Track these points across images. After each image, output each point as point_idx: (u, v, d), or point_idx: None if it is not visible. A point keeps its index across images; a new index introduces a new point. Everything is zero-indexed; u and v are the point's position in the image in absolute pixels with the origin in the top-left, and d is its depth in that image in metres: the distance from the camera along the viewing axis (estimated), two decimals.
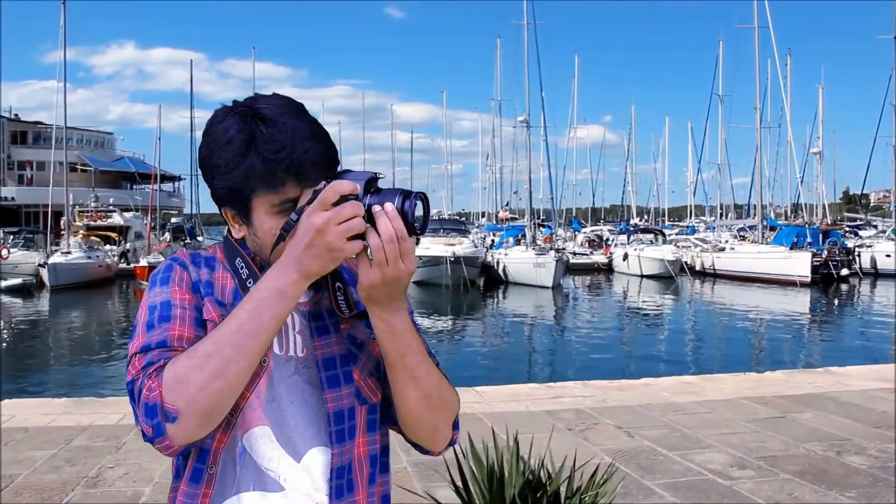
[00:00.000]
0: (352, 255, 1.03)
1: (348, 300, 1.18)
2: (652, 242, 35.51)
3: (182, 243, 36.70)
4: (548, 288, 27.48)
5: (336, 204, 1.00)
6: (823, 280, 29.03)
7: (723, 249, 33.88)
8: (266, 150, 1.08)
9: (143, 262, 30.06)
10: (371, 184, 1.03)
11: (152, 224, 41.03)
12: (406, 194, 1.02)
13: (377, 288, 1.05)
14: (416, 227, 1.02)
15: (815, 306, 24.52)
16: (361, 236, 1.01)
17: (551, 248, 30.80)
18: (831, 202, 58.00)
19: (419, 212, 1.03)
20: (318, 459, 1.15)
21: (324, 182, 1.04)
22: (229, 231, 1.21)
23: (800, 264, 28.14)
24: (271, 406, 1.14)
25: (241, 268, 1.16)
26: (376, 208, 1.01)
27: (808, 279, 27.88)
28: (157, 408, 1.00)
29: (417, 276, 28.69)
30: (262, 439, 1.13)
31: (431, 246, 29.36)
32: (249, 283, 1.14)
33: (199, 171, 1.19)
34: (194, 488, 1.13)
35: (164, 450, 1.04)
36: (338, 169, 1.12)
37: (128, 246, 36.26)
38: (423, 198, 1.03)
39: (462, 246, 29.20)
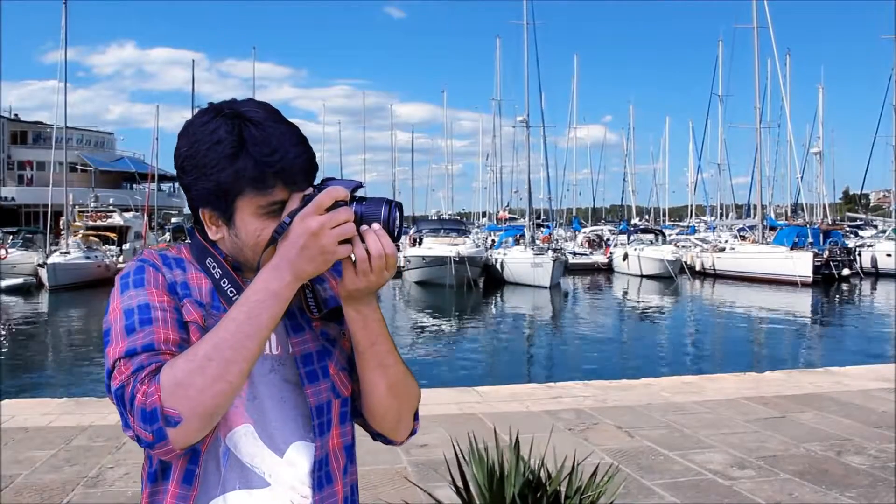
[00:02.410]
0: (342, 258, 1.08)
1: (317, 298, 1.22)
2: (652, 242, 35.50)
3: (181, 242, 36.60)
4: (545, 288, 27.47)
5: (329, 209, 1.04)
6: (825, 280, 29.03)
7: (723, 249, 33.87)
8: (257, 153, 1.10)
9: None
10: (355, 192, 1.09)
11: (151, 223, 41.03)
12: (388, 204, 1.09)
13: (360, 291, 1.12)
14: (395, 235, 1.09)
15: (816, 306, 24.52)
16: (349, 240, 1.07)
17: (549, 248, 30.78)
18: (831, 202, 58.02)
19: (398, 223, 1.10)
20: (300, 453, 1.18)
21: (311, 188, 1.09)
22: (199, 231, 1.21)
23: (801, 264, 28.12)
24: (253, 404, 1.16)
25: (213, 268, 1.17)
26: (364, 227, 1.07)
27: (810, 279, 27.86)
28: (157, 413, 1.00)
29: (421, 276, 28.73)
30: (246, 437, 1.15)
31: (435, 246, 29.36)
32: (224, 282, 1.16)
33: (178, 172, 1.18)
34: (186, 490, 1.13)
35: (166, 454, 1.04)
36: (316, 175, 1.17)
37: (127, 246, 36.25)
38: (400, 207, 1.10)
39: (465, 246, 29.23)
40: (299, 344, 1.20)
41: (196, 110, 1.20)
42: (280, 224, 1.06)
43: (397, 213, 1.09)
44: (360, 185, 1.09)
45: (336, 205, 1.04)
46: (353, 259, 1.08)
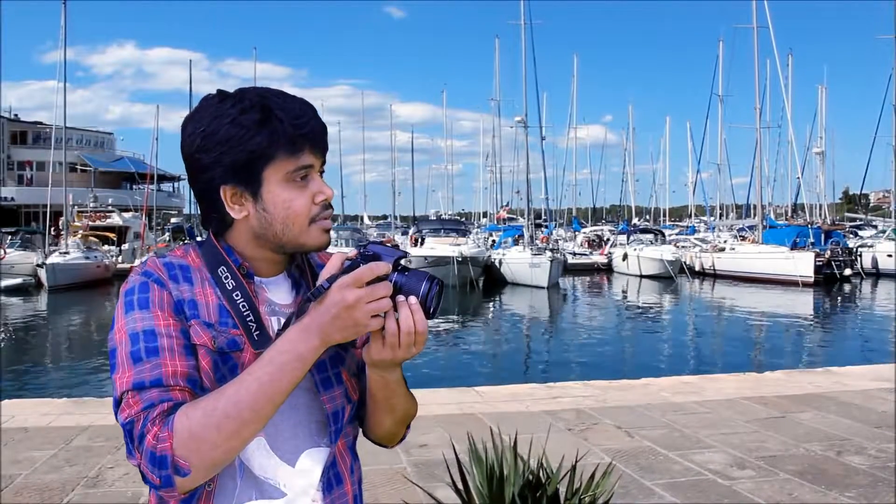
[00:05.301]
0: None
1: None
2: (651, 243, 35.49)
3: (182, 243, 36.64)
4: (544, 288, 27.46)
5: (369, 283, 1.03)
6: (826, 280, 28.97)
7: (722, 249, 33.84)
8: (286, 116, 1.11)
9: (138, 262, 30.19)
10: (398, 262, 1.08)
11: (151, 223, 41.03)
12: (430, 280, 1.08)
13: (385, 363, 1.11)
14: (431, 312, 1.08)
15: (817, 306, 24.46)
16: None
17: (547, 248, 30.78)
18: (831, 202, 58.00)
19: (436, 300, 1.08)
20: (312, 460, 1.18)
21: (356, 250, 1.09)
22: (212, 230, 1.19)
23: (802, 264, 28.05)
24: None
25: (227, 278, 1.15)
26: (400, 298, 1.06)
27: (811, 279, 27.78)
28: (167, 461, 1.00)
29: None
30: (259, 451, 1.14)
31: (437, 246, 29.35)
32: (236, 295, 1.14)
33: (192, 157, 1.14)
34: None
35: (168, 496, 1.07)
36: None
37: (126, 246, 36.25)
38: (441, 285, 1.09)
39: (467, 246, 29.26)
40: None
41: (203, 97, 1.19)
42: (318, 287, 1.05)
43: (437, 291, 1.07)
44: (404, 255, 1.09)
45: (376, 279, 1.04)
46: (383, 331, 1.07)
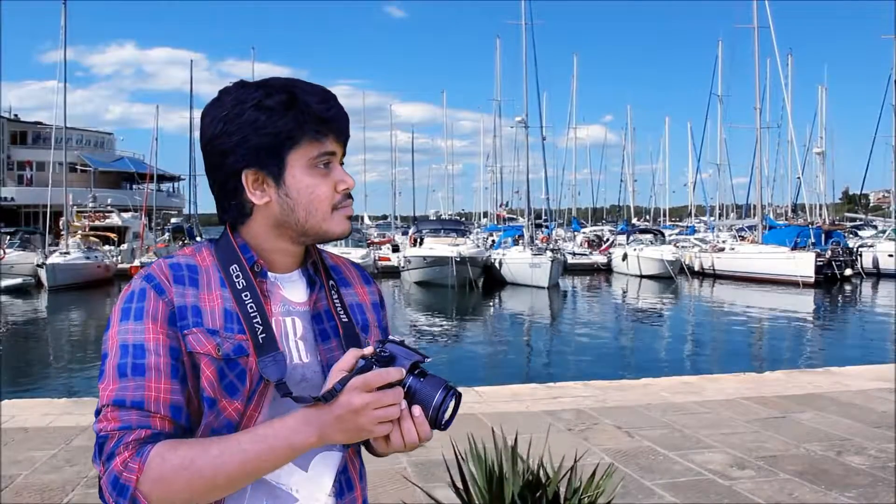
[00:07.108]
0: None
1: (342, 302, 1.20)
2: (651, 243, 35.48)
3: (181, 243, 36.66)
4: (544, 288, 27.45)
5: (380, 387, 1.00)
6: (826, 280, 28.94)
7: (722, 250, 33.82)
8: (312, 100, 1.11)
9: (137, 262, 30.37)
10: (416, 366, 1.04)
11: (150, 223, 41.04)
12: (446, 390, 1.03)
13: (386, 455, 1.14)
14: (443, 425, 1.03)
15: (818, 307, 24.45)
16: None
17: (547, 248, 30.75)
18: (831, 202, 57.98)
19: (448, 414, 1.03)
20: (325, 464, 1.16)
21: (371, 349, 1.05)
22: (229, 223, 1.17)
23: (803, 265, 28.01)
24: None
25: (237, 277, 1.13)
26: (404, 409, 1.01)
27: (812, 280, 27.73)
28: (128, 492, 0.99)
29: (421, 276, 28.74)
30: None
31: (436, 246, 29.34)
32: (245, 295, 1.11)
33: (213, 142, 1.12)
34: None
35: None
36: (386, 340, 1.08)
37: (125, 246, 36.27)
38: (458, 397, 1.04)
39: (466, 246, 29.23)
40: (327, 351, 1.17)
41: (223, 88, 1.16)
42: (329, 391, 1.01)
43: (451, 403, 1.02)
44: (422, 360, 1.04)
45: (387, 385, 1.00)
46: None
